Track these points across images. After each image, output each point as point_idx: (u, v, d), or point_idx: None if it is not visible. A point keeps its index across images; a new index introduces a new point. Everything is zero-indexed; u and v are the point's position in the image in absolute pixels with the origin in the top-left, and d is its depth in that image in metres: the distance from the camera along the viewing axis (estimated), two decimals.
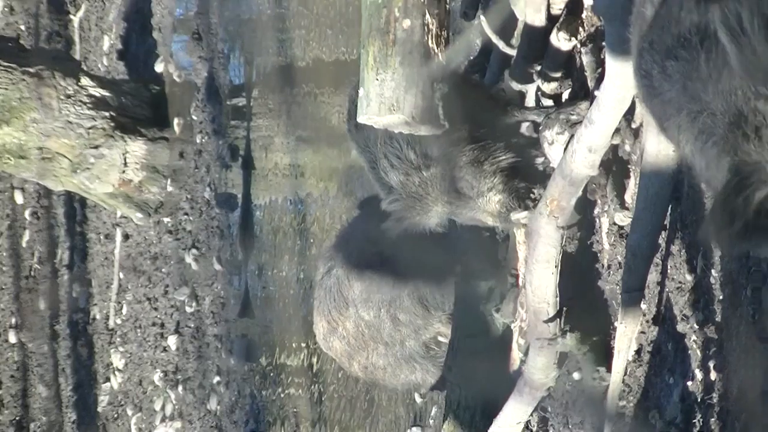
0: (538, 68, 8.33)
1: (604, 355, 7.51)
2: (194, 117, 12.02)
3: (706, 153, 4.22)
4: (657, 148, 6.70)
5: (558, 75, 8.29)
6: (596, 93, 7.41)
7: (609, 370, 7.36)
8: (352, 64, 9.90)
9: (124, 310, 12.81)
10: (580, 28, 8.19)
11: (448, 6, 9.16)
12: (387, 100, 8.75)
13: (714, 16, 4.12)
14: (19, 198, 14.41)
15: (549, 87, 8.35)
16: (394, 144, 7.61)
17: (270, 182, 11.37)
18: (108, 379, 12.95)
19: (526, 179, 7.61)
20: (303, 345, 10.93)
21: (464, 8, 9.28)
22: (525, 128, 8.18)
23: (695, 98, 4.23)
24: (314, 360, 10.84)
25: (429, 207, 7.54)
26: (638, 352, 7.38)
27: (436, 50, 9.35)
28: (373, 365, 9.25)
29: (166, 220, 12.26)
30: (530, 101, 8.46)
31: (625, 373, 7.25)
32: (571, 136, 7.42)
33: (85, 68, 12.39)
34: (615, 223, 7.66)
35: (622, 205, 7.54)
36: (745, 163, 3.99)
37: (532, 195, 7.59)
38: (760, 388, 6.52)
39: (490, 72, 9.12)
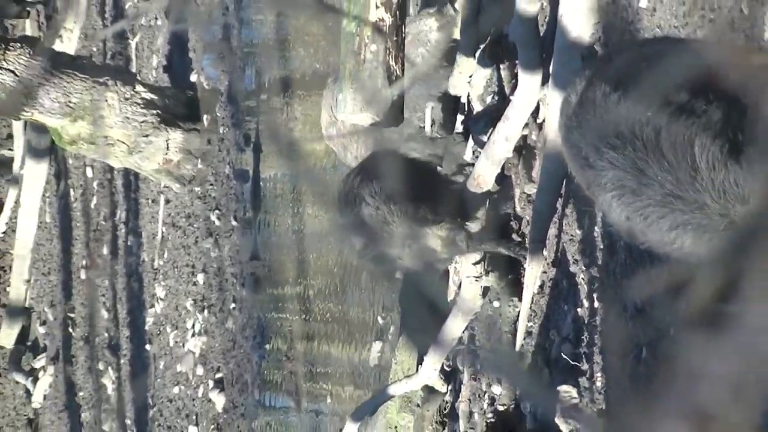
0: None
1: (516, 289, 7.44)
2: (218, 114, 12.01)
3: (680, 237, 3.97)
4: (555, 139, 6.61)
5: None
6: (511, 97, 7.36)
7: (520, 299, 7.30)
8: (332, 76, 9.82)
9: (165, 255, 12.75)
10: (500, 52, 8.14)
11: (404, 35, 9.17)
12: (359, 103, 8.73)
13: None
14: (89, 172, 14.40)
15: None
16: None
17: (273, 161, 11.35)
18: (153, 306, 12.89)
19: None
20: (297, 281, 10.91)
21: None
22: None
23: (633, 193, 4.02)
24: (305, 292, 10.81)
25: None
26: (541, 287, 7.34)
27: (395, 67, 9.32)
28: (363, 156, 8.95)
29: (197, 189, 12.23)
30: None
31: (532, 302, 7.18)
32: (493, 128, 7.37)
33: (139, 78, 12.37)
34: (525, 192, 7.60)
35: (530, 179, 7.48)
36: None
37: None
38: (617, 312, 6.50)
39: None
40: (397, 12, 9.33)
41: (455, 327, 7.41)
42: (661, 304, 6.05)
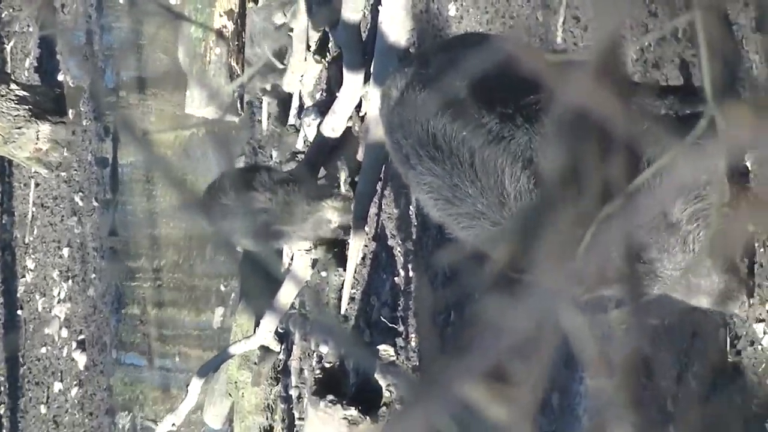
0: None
1: (341, 261, 7.28)
2: (82, 108, 11.76)
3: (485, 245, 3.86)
4: (375, 131, 6.46)
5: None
6: (338, 93, 7.27)
7: (345, 270, 7.17)
8: (181, 75, 9.62)
9: (35, 232, 12.40)
10: (327, 54, 8.03)
11: (244, 40, 9.20)
12: (205, 98, 8.71)
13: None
14: None
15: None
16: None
17: (129, 150, 11.12)
18: (24, 276, 12.52)
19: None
20: (150, 254, 10.74)
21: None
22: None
23: (450, 204, 3.91)
24: (156, 263, 10.67)
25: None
26: (363, 258, 7.23)
27: (236, 68, 9.25)
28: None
29: (63, 174, 11.94)
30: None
31: (355, 272, 7.08)
32: (321, 121, 7.29)
33: (13, 78, 12.02)
34: (349, 176, 7.44)
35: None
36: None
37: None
38: (428, 279, 6.45)
39: None
40: (239, 20, 9.27)
41: (288, 294, 7.29)
42: (466, 272, 6.00)
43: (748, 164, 4.24)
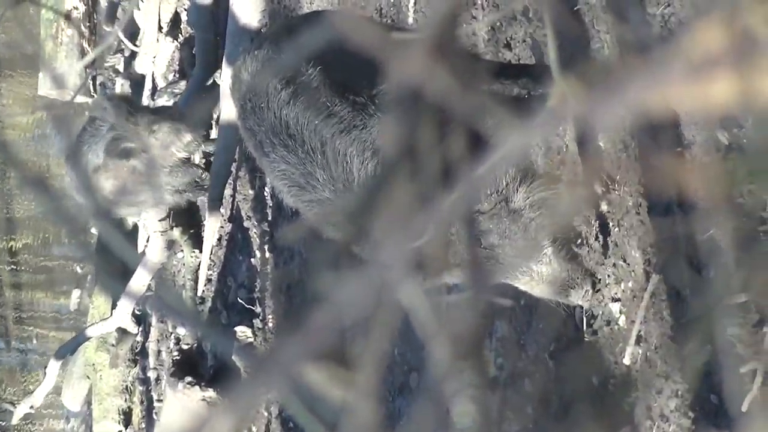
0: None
1: (198, 242, 7.08)
2: None
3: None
4: (230, 113, 6.24)
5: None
6: (190, 74, 7.11)
7: (201, 251, 6.97)
8: (33, 56, 9.34)
9: None
10: (179, 35, 7.82)
11: (96, 21, 9.10)
12: (57, 79, 8.65)
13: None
14: None
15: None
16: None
17: None
18: None
19: None
20: (5, 236, 10.39)
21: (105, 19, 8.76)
22: None
23: (301, 190, 3.86)
24: (13, 245, 10.35)
25: None
26: (219, 239, 7.04)
27: (88, 48, 9.12)
28: None
29: None
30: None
31: (211, 253, 6.89)
32: (174, 102, 7.12)
33: None
34: (204, 157, 7.24)
35: (207, 145, 7.10)
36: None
37: None
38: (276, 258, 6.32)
39: None
40: (90, 1, 9.04)
41: (144, 276, 7.06)
42: (309, 248, 5.96)
43: (600, 142, 4.15)
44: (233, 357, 6.52)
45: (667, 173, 3.78)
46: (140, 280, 7.00)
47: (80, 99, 8.60)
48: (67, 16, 8.78)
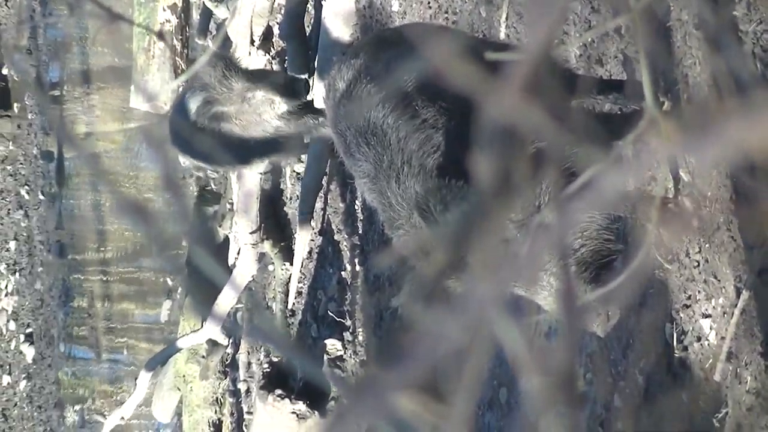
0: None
1: (288, 255, 7.21)
2: (27, 102, 11.60)
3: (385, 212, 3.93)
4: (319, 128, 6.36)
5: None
6: None
7: (292, 264, 7.10)
8: (126, 69, 9.55)
9: None
10: (271, 48, 7.94)
11: (188, 34, 9.21)
12: (149, 92, 8.73)
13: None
14: None
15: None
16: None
17: (74, 144, 11.00)
18: None
19: None
20: (97, 247, 10.65)
21: (198, 33, 8.90)
22: None
23: (381, 192, 3.93)
24: (103, 257, 10.60)
25: None
26: (310, 252, 7.14)
27: (180, 62, 9.25)
28: None
29: (8, 167, 11.76)
30: None
31: (302, 266, 7.01)
32: None
33: None
34: (295, 171, 7.37)
35: (299, 159, 7.22)
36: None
37: None
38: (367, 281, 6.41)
39: None
40: (182, 14, 9.19)
41: (235, 288, 7.19)
42: (400, 276, 6.01)
43: (682, 174, 4.20)
44: (323, 370, 6.61)
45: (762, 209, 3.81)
46: (231, 292, 7.15)
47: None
48: (160, 34, 8.95)
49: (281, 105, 5.91)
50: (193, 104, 5.83)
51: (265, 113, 5.92)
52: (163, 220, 6.42)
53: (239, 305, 7.49)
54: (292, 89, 5.91)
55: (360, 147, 3.99)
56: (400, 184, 3.86)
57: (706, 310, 4.03)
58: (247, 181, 7.11)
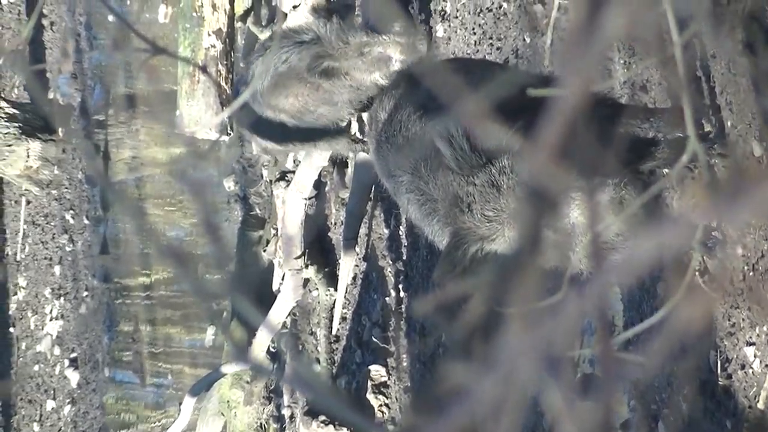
0: None
1: (333, 280, 7.28)
2: (72, 126, 11.75)
3: (431, 227, 4.12)
4: (364, 155, 6.45)
5: None
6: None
7: (336, 289, 7.17)
8: (171, 94, 9.66)
9: (26, 249, 12.36)
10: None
11: (233, 59, 9.29)
12: (194, 117, 8.81)
13: (432, 131, 3.95)
14: None
15: None
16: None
17: (119, 168, 11.14)
18: (16, 293, 12.49)
19: None
20: (141, 271, 10.76)
21: (242, 58, 9.03)
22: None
23: (420, 190, 4.10)
24: (148, 281, 10.70)
25: None
26: (354, 278, 7.22)
27: (225, 87, 9.34)
28: None
29: (54, 191, 11.93)
30: None
31: (346, 292, 7.08)
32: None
33: (3, 96, 12.01)
34: (339, 196, 7.45)
35: (343, 185, 7.31)
36: (460, 229, 3.91)
37: None
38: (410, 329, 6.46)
39: None
40: (227, 39, 9.31)
41: (279, 313, 7.29)
42: (438, 325, 6.05)
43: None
44: (367, 396, 6.66)
45: None
46: (276, 318, 7.24)
47: (219, 137, 8.92)
48: (204, 68, 9.05)
49: (396, 63, 5.77)
50: (303, 59, 5.72)
51: (377, 71, 5.78)
52: (204, 267, 6.51)
53: (283, 331, 7.56)
54: (413, 45, 5.79)
55: (398, 163, 4.10)
56: (436, 177, 3.99)
57: (750, 337, 4.08)
58: (291, 207, 7.22)
